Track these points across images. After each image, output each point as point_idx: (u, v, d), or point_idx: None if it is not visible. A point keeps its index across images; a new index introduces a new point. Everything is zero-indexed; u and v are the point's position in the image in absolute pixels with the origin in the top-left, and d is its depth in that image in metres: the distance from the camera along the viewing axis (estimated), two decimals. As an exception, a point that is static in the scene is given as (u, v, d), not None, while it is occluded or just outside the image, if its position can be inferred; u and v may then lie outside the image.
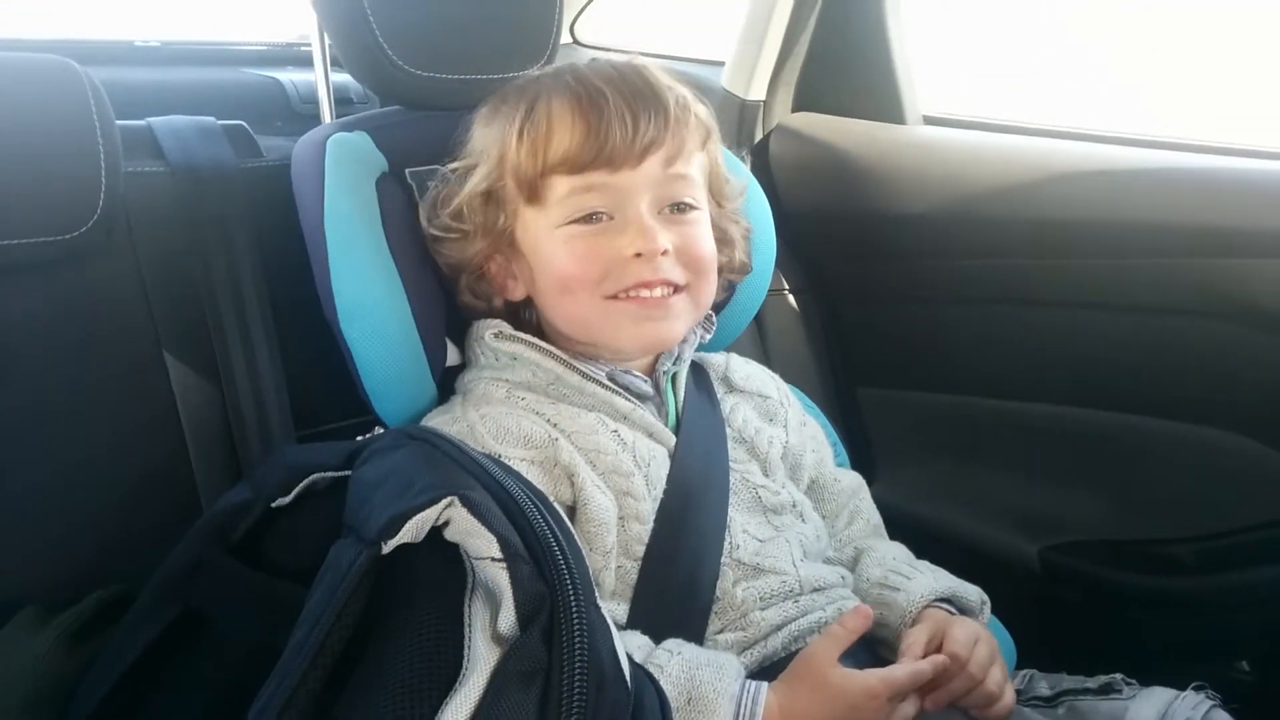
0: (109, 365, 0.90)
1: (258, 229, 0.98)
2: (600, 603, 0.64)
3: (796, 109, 1.51)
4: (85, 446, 0.88)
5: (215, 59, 2.10)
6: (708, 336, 0.99)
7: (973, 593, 0.92)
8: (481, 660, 0.56)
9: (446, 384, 0.95)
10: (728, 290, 1.03)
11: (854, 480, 1.05)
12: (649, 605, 0.82)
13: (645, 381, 0.92)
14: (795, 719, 0.74)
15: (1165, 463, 1.25)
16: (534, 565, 0.60)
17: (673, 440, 0.89)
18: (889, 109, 1.42)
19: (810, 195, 1.45)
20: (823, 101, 1.49)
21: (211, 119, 1.04)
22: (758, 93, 1.49)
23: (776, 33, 1.45)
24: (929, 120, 1.44)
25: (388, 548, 0.58)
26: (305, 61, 1.73)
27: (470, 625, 0.58)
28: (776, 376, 1.05)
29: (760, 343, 1.39)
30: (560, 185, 0.87)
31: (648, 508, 0.85)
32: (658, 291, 0.88)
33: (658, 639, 0.79)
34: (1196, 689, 0.86)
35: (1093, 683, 0.89)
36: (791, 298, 1.47)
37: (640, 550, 0.83)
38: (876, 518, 1.04)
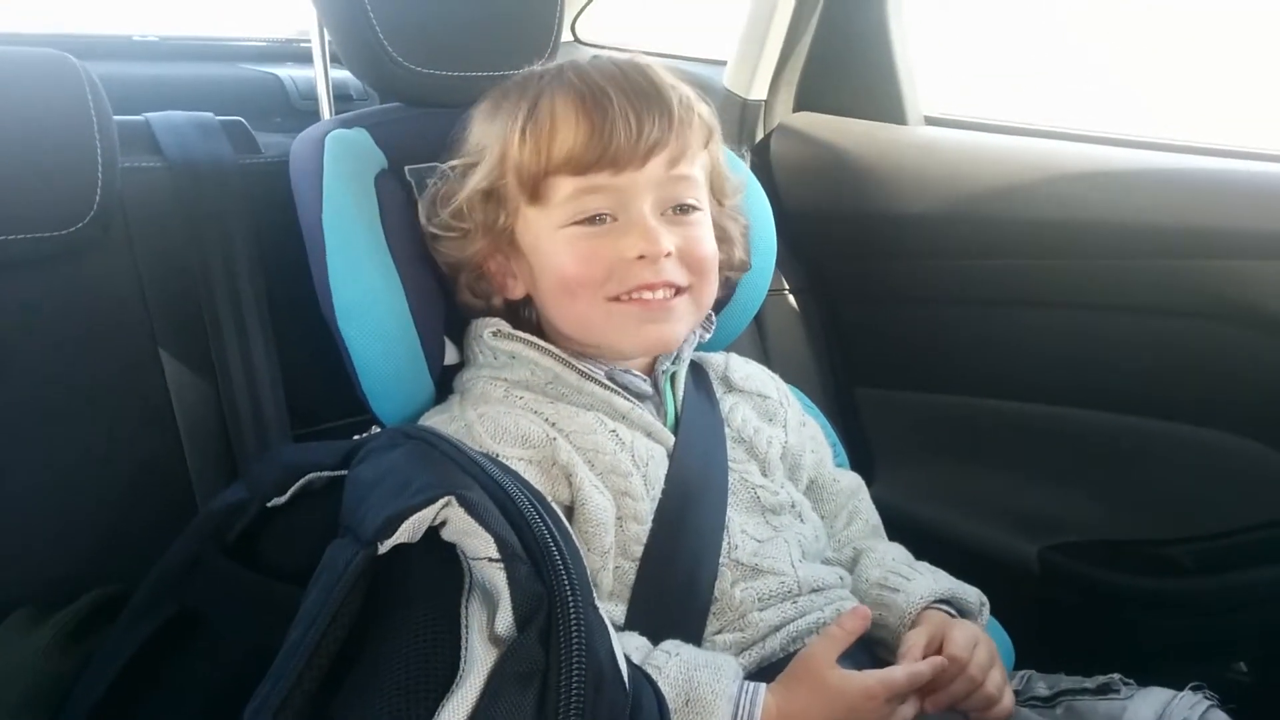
0: (105, 361, 0.90)
1: (255, 225, 0.97)
2: (598, 603, 0.63)
3: (798, 109, 1.50)
4: (81, 442, 0.88)
5: (214, 54, 2.10)
6: (707, 336, 0.99)
7: (972, 594, 0.92)
8: (478, 661, 0.56)
9: (445, 383, 0.94)
10: (726, 288, 1.02)
11: (853, 480, 1.04)
12: (647, 606, 0.82)
13: (644, 381, 0.92)
14: None
15: (1164, 463, 1.25)
16: (531, 566, 0.60)
17: (671, 440, 0.89)
18: (890, 109, 1.42)
19: (811, 195, 1.45)
20: (824, 101, 1.48)
21: (210, 115, 1.04)
22: (759, 92, 1.49)
23: (778, 32, 1.45)
24: (930, 121, 1.43)
25: (384, 548, 0.58)
26: (304, 58, 1.72)
27: (467, 626, 0.58)
28: (776, 376, 1.05)
29: (760, 343, 1.39)
30: (563, 185, 0.86)
31: (646, 508, 0.84)
32: (660, 294, 0.87)
33: (656, 640, 0.79)
34: (1194, 689, 0.86)
35: (1091, 683, 0.89)
36: (791, 298, 1.47)
37: (638, 550, 0.83)
38: (875, 518, 1.04)
